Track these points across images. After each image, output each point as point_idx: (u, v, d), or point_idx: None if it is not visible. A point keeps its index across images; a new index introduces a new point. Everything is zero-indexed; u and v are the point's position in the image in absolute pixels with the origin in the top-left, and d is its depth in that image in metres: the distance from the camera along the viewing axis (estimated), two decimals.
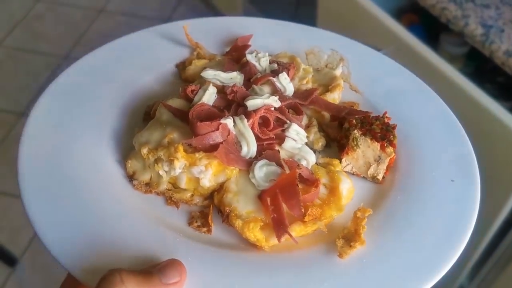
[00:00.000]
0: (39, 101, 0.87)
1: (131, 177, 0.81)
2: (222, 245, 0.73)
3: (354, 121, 0.84)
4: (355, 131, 0.82)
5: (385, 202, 0.80)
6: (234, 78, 0.91)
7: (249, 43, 1.03)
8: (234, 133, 0.79)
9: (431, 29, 1.74)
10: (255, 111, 0.82)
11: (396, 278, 0.68)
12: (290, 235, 0.71)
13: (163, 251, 0.69)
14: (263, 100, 0.83)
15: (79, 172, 0.79)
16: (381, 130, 0.82)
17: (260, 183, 0.75)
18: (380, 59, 1.03)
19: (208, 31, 1.07)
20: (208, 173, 0.76)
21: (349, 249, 0.70)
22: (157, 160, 0.78)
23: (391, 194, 0.81)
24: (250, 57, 0.96)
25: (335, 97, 0.96)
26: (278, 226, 0.71)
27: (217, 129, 0.76)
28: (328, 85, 0.98)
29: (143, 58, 1.00)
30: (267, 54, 0.98)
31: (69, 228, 0.71)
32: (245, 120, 0.79)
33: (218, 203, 0.77)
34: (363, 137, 0.82)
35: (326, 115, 0.92)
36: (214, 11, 3.27)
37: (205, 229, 0.74)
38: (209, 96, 0.83)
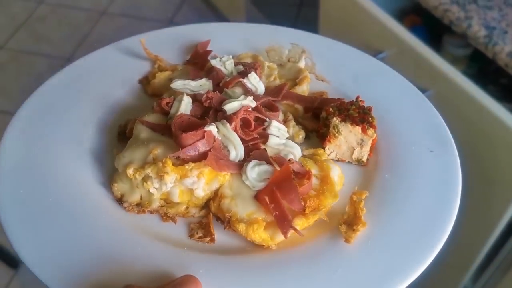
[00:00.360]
0: (13, 123, 0.85)
1: (120, 200, 0.78)
2: (228, 251, 0.73)
3: (331, 109, 0.86)
4: (334, 118, 0.84)
5: (375, 182, 0.82)
6: (203, 85, 0.91)
7: (209, 48, 1.03)
8: (220, 138, 0.78)
9: (434, 30, 1.71)
10: (234, 114, 0.81)
11: (403, 252, 0.71)
12: (296, 229, 0.72)
13: (172, 268, 0.68)
14: (240, 102, 0.83)
15: (64, 198, 0.76)
16: (358, 114, 0.84)
17: (254, 183, 0.75)
18: (341, 48, 1.06)
19: (167, 42, 1.06)
20: (201, 183, 0.75)
21: (353, 233, 0.72)
22: (145, 179, 0.77)
23: (378, 174, 0.83)
24: (214, 62, 0.96)
25: (304, 89, 0.98)
26: (282, 223, 0.71)
27: (203, 137, 0.76)
28: (295, 79, 0.99)
29: (106, 77, 0.98)
30: (230, 57, 0.98)
31: (64, 260, 0.68)
32: (227, 124, 0.79)
33: (216, 210, 0.76)
34: (343, 123, 0.83)
35: (300, 108, 0.94)
36: (216, 13, 3.24)
37: (207, 239, 0.74)
38: (186, 106, 0.82)
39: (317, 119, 0.93)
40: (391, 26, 1.50)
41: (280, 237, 0.72)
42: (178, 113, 0.81)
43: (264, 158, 0.78)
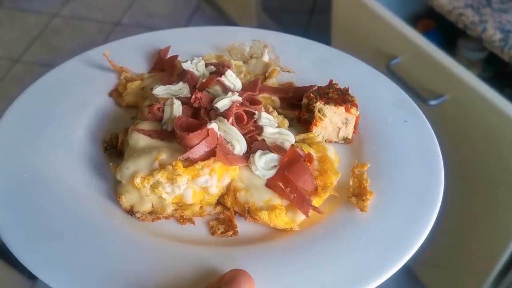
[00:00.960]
0: None
1: (130, 212, 0.77)
2: (253, 240, 0.75)
3: (311, 94, 0.91)
4: (318, 102, 0.89)
5: (365, 156, 0.88)
6: (182, 88, 0.91)
7: (176, 54, 1.03)
8: (222, 135, 0.79)
9: (448, 34, 1.70)
10: (228, 110, 0.83)
11: (410, 211, 0.77)
12: (315, 207, 0.75)
13: (209, 266, 0.68)
14: (229, 99, 0.85)
15: (70, 215, 0.74)
16: (338, 96, 0.90)
17: (264, 172, 0.78)
18: (298, 41, 1.11)
19: (128, 51, 1.05)
20: (214, 180, 0.76)
21: (364, 202, 0.77)
22: (154, 185, 0.76)
23: (365, 148, 0.90)
24: (186, 65, 0.97)
25: (274, 81, 1.02)
26: (302, 203, 0.75)
27: (207, 135, 0.77)
28: (263, 73, 1.03)
29: (75, 92, 0.95)
30: (201, 58, 0.99)
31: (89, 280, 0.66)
32: (225, 120, 0.81)
33: (233, 204, 0.77)
34: (327, 105, 0.88)
35: (276, 99, 0.98)
36: (228, 21, 3.19)
37: (230, 232, 0.75)
38: (177, 109, 0.83)
39: (294, 107, 0.97)
40: (405, 31, 1.48)
41: (300, 218, 0.75)
42: (173, 116, 0.81)
43: (265, 147, 0.81)
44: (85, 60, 1.01)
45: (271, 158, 0.78)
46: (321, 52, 1.09)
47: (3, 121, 0.87)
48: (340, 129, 0.90)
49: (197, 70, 0.97)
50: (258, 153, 0.78)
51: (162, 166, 0.76)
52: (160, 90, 0.89)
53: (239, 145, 0.79)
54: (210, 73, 0.97)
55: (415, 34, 1.48)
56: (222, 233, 0.75)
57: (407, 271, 1.87)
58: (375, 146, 0.89)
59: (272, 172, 0.77)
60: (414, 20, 1.76)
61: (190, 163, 0.76)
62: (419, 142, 0.89)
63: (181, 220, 0.76)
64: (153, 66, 1.04)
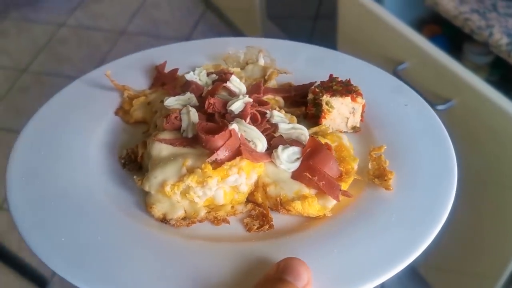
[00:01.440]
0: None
1: (164, 220, 0.78)
2: (289, 231, 0.76)
3: (316, 89, 0.94)
4: (324, 96, 0.92)
5: (376, 140, 0.92)
6: (191, 98, 0.93)
7: (175, 67, 1.05)
8: (243, 135, 0.82)
9: (454, 39, 1.69)
10: (242, 111, 0.86)
11: (430, 186, 0.81)
12: (345, 191, 0.78)
13: (255, 261, 0.70)
14: (242, 100, 0.87)
15: (107, 231, 0.75)
16: (342, 87, 0.94)
17: (289, 165, 0.80)
18: (289, 44, 1.15)
19: (126, 70, 1.06)
20: (243, 178, 0.78)
21: (387, 182, 0.81)
22: (185, 191, 0.77)
23: (374, 133, 0.93)
24: (190, 76, 0.99)
25: (274, 83, 1.05)
26: (332, 189, 0.77)
27: (231, 135, 0.79)
28: (262, 76, 1.06)
29: (82, 114, 0.96)
30: (202, 68, 1.01)
31: None
32: (243, 121, 0.83)
33: (263, 199, 0.79)
34: (334, 97, 0.92)
35: (280, 99, 1.01)
36: (233, 29, 3.13)
37: (266, 226, 0.77)
38: (194, 116, 0.85)
39: (298, 105, 1.01)
40: (411, 37, 1.48)
41: (331, 203, 0.78)
42: (192, 123, 0.83)
43: (284, 142, 0.84)
44: (87, 82, 1.02)
45: (293, 151, 0.81)
46: (312, 52, 1.13)
47: (18, 149, 0.86)
48: (348, 119, 0.94)
49: (200, 79, 1.00)
50: (280, 147, 0.81)
51: (190, 171, 0.78)
52: (171, 101, 0.91)
53: (261, 143, 0.81)
54: (213, 81, 0.99)
55: (422, 39, 1.48)
56: (258, 228, 0.76)
57: (416, 275, 1.86)
58: (383, 131, 0.93)
59: (296, 164, 0.80)
60: (419, 26, 1.76)
61: (217, 164, 0.78)
62: (423, 122, 0.94)
63: (215, 221, 0.78)
64: (153, 81, 1.05)
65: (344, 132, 0.95)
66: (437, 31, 1.83)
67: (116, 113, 0.99)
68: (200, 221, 0.78)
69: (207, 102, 0.87)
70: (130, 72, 1.05)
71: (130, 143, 0.93)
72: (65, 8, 3.47)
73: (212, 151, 0.78)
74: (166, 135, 0.83)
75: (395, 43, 1.52)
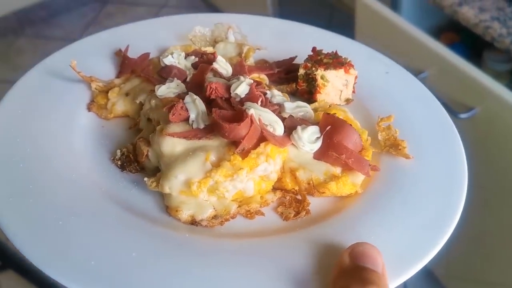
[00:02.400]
0: None
1: (193, 223, 0.70)
2: (326, 215, 0.74)
3: (308, 64, 0.91)
4: (318, 70, 0.90)
5: (369, 110, 0.92)
6: (179, 84, 0.85)
7: (140, 49, 0.94)
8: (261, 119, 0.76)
9: (473, 46, 1.64)
10: (248, 95, 0.80)
11: (440, 145, 0.83)
12: (374, 166, 0.77)
13: (312, 249, 0.66)
14: (245, 82, 0.81)
15: (138, 242, 0.66)
16: (332, 60, 0.92)
17: (311, 146, 0.77)
18: (253, 20, 1.09)
19: (86, 55, 0.93)
20: (272, 165, 0.73)
21: (403, 150, 0.81)
22: (213, 187, 0.71)
23: (367, 104, 0.93)
24: (168, 60, 0.90)
25: (251, 61, 1.00)
26: (361, 165, 0.76)
27: (252, 122, 0.73)
28: (238, 55, 1.00)
29: (50, 113, 0.83)
30: (179, 50, 0.93)
31: None
32: (256, 105, 0.77)
33: (293, 184, 0.75)
34: (328, 71, 0.90)
35: (265, 77, 0.96)
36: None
37: (303, 213, 0.73)
38: (201, 104, 0.77)
39: (282, 82, 0.97)
40: (430, 45, 1.43)
41: (359, 180, 0.77)
42: (200, 112, 0.76)
43: (297, 123, 0.80)
44: (45, 72, 0.88)
45: (312, 130, 0.77)
46: (278, 26, 1.09)
47: None
48: (341, 91, 0.92)
49: (178, 63, 0.91)
50: (299, 128, 0.77)
51: (216, 165, 0.71)
52: (163, 90, 0.82)
53: (279, 126, 0.77)
54: (192, 64, 0.91)
55: (441, 47, 1.45)
56: (295, 215, 0.73)
57: (439, 285, 1.85)
58: (375, 101, 0.93)
59: (318, 144, 0.77)
60: (437, 33, 1.73)
61: (243, 154, 0.72)
62: (408, 88, 0.95)
63: (248, 215, 0.72)
64: (120, 69, 0.94)
65: (338, 105, 0.94)
66: (455, 38, 1.82)
67: (89, 108, 0.87)
68: (233, 217, 0.72)
69: (208, 87, 0.79)
70: (89, 58, 0.92)
71: (118, 142, 0.82)
72: (79, 24, 3.46)
73: (237, 140, 0.72)
74: (175, 128, 0.75)
75: (414, 52, 1.49)
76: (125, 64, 0.93)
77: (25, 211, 0.67)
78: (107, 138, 0.83)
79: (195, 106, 0.76)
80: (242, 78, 0.82)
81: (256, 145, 0.73)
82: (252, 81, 0.82)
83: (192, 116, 0.75)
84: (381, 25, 1.61)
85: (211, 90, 0.79)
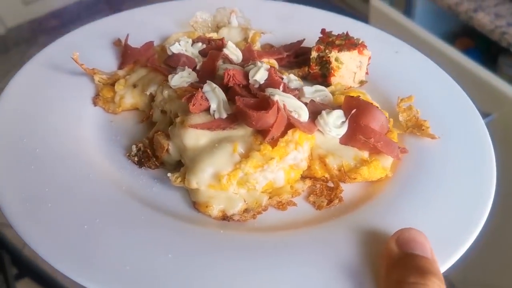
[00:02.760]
0: None
1: (225, 218, 0.67)
2: (358, 202, 0.71)
3: (320, 46, 0.88)
4: (332, 52, 0.87)
5: (384, 91, 0.89)
6: (191, 73, 0.80)
7: (141, 38, 0.89)
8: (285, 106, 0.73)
9: (487, 52, 1.61)
10: (268, 80, 0.76)
11: (460, 122, 0.82)
12: (403, 148, 0.75)
13: (350, 239, 0.64)
14: (263, 68, 0.77)
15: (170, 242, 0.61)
16: (345, 41, 0.89)
17: (338, 131, 0.74)
18: (253, 2, 1.05)
19: (85, 45, 0.87)
20: (301, 152, 0.70)
21: (428, 130, 0.79)
22: (243, 179, 0.67)
23: (381, 85, 0.91)
24: (176, 48, 0.85)
25: (258, 46, 0.96)
26: (391, 148, 0.73)
27: (279, 109, 0.69)
28: (244, 40, 0.96)
29: (56, 110, 0.78)
30: (186, 37, 0.88)
31: None
32: (278, 91, 0.74)
33: (323, 172, 0.72)
34: (342, 52, 0.87)
35: (274, 62, 0.92)
36: None
37: (337, 200, 0.70)
38: (220, 92, 0.73)
39: (292, 66, 0.94)
40: (444, 50, 1.40)
41: (388, 163, 0.74)
42: (221, 101, 0.72)
43: (320, 107, 0.77)
44: (42, 66, 0.82)
45: (337, 114, 0.74)
46: (279, 8, 1.06)
47: None
48: (355, 73, 0.90)
49: (186, 50, 0.86)
50: (324, 113, 0.74)
51: (245, 156, 0.67)
52: (177, 80, 0.77)
53: (304, 112, 0.73)
54: (200, 51, 0.87)
55: (456, 53, 1.43)
56: (328, 204, 0.70)
57: None
58: (388, 81, 0.91)
59: (344, 128, 0.74)
60: (451, 39, 1.69)
61: (273, 143, 0.69)
62: (419, 66, 0.94)
63: (281, 207, 0.69)
64: (122, 59, 0.88)
65: (351, 87, 0.91)
66: (470, 44, 1.80)
67: (95, 103, 0.81)
68: (264, 210, 0.68)
69: (225, 74, 0.75)
70: (86, 50, 0.87)
71: (131, 137, 0.78)
72: None
73: (264, 129, 0.68)
74: (197, 120, 0.70)
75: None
76: (127, 54, 0.88)
77: (45, 217, 0.62)
78: (118, 133, 0.78)
79: (215, 95, 0.72)
80: (259, 63, 0.78)
81: (284, 133, 0.69)
82: (269, 66, 0.78)
83: (213, 105, 0.71)
84: (394, 31, 1.53)
85: (229, 77, 0.75)
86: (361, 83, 0.91)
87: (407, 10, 1.83)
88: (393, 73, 0.93)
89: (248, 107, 0.68)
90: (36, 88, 0.79)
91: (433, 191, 0.70)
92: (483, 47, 1.73)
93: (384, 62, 0.94)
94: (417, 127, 0.80)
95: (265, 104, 0.69)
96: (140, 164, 0.72)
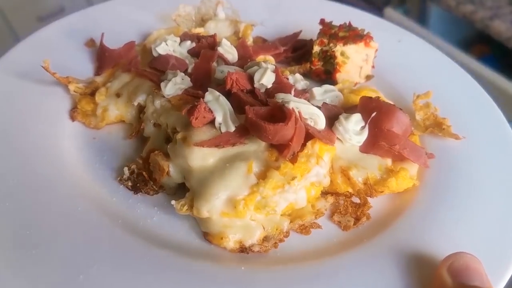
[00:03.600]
0: None
1: (244, 250, 0.58)
2: (386, 217, 0.64)
3: (323, 39, 0.79)
4: (337, 46, 0.78)
5: (392, 86, 0.82)
6: (184, 78, 0.70)
7: (118, 36, 0.78)
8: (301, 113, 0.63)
9: (504, 59, 1.55)
10: (276, 83, 0.67)
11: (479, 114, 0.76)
12: (431, 154, 0.68)
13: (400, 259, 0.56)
14: (268, 69, 0.68)
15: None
16: (349, 33, 0.80)
17: (358, 138, 0.65)
18: None
19: (53, 45, 0.75)
20: (323, 167, 0.62)
21: (449, 128, 0.72)
22: (261, 203, 0.58)
23: (389, 79, 0.83)
24: (162, 49, 0.74)
25: (251, 40, 0.86)
26: (417, 155, 0.66)
27: (297, 119, 0.60)
28: (234, 34, 0.86)
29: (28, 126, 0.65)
30: (173, 35, 0.77)
31: None
32: (290, 96, 0.64)
33: (346, 187, 0.64)
34: (347, 45, 0.78)
35: (271, 58, 0.83)
36: None
37: (364, 218, 0.62)
38: (224, 101, 0.63)
39: (289, 61, 0.85)
40: (459, 58, 1.34)
41: (414, 171, 0.67)
42: (227, 112, 0.62)
43: (334, 111, 0.68)
44: (4, 72, 0.70)
45: (356, 119, 0.66)
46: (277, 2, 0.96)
47: None
48: (361, 68, 0.81)
49: (173, 51, 0.75)
50: (342, 118, 0.65)
51: (262, 177, 0.58)
52: (171, 88, 0.66)
53: (320, 119, 0.64)
54: (192, 50, 0.77)
55: (471, 61, 1.40)
56: (355, 223, 0.62)
57: None
58: (396, 75, 0.83)
59: (364, 135, 0.66)
60: (466, 46, 1.65)
61: (293, 159, 0.60)
62: (428, 57, 0.87)
63: (303, 231, 0.60)
64: (98, 63, 0.77)
65: (357, 83, 0.83)
66: (486, 51, 1.76)
67: (73, 118, 0.70)
68: (286, 236, 0.60)
69: (228, 79, 0.65)
70: (54, 53, 0.75)
71: (120, 156, 0.67)
72: None
73: (283, 142, 0.59)
74: (201, 135, 0.60)
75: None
76: (105, 57, 0.76)
77: (28, 266, 0.51)
78: (104, 152, 0.67)
79: (219, 105, 0.62)
80: (263, 64, 0.69)
81: (303, 145, 0.60)
82: (274, 67, 0.69)
83: (219, 118, 0.61)
84: None
85: (232, 82, 0.65)
86: (368, 77, 0.83)
87: (421, 19, 1.81)
88: (400, 65, 0.85)
89: (261, 118, 0.59)
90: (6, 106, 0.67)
91: (471, 199, 0.63)
92: (499, 54, 1.72)
93: (388, 53, 0.86)
94: (437, 126, 0.73)
95: (279, 113, 0.60)
96: (135, 189, 0.62)
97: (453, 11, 1.63)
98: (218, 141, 0.60)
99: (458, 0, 1.62)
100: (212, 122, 0.62)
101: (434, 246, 0.56)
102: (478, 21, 1.56)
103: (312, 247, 0.59)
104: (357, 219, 0.62)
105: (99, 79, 0.74)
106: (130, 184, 0.62)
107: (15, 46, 0.73)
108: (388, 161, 0.66)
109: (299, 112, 0.62)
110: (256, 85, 0.66)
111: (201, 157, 0.59)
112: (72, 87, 0.71)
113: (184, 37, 0.78)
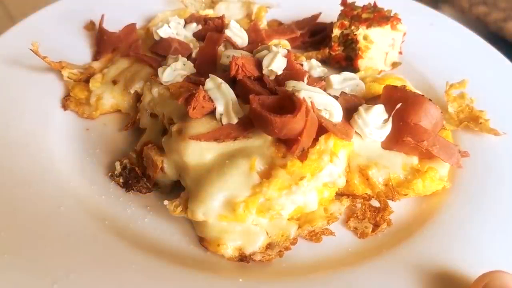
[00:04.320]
0: None
1: (244, 258, 0.51)
2: (409, 220, 0.56)
3: (344, 22, 0.71)
4: (360, 29, 0.70)
5: (423, 73, 0.73)
6: (186, 63, 0.63)
7: (120, 19, 0.72)
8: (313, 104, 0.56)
9: None
10: (287, 69, 0.59)
11: None
12: (465, 152, 0.60)
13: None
14: (279, 54, 0.60)
15: None
16: (373, 14, 0.72)
17: (380, 133, 0.57)
18: None
19: (48, 29, 0.70)
20: (338, 165, 0.54)
21: (486, 123, 0.64)
22: (264, 206, 0.51)
23: (418, 66, 0.75)
24: (164, 32, 0.68)
25: (265, 23, 0.79)
26: (449, 153, 0.58)
27: (308, 110, 0.52)
28: (247, 17, 0.79)
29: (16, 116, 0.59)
30: (177, 17, 0.70)
31: None
32: (303, 84, 0.57)
33: (364, 188, 0.56)
34: (371, 28, 0.70)
35: (286, 42, 0.75)
36: None
37: (385, 225, 0.55)
38: (227, 89, 0.56)
39: (306, 46, 0.77)
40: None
41: (445, 170, 0.58)
42: (230, 101, 0.54)
43: (353, 101, 0.60)
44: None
45: (378, 111, 0.58)
46: None
47: None
48: (387, 53, 0.73)
49: (177, 34, 0.69)
50: (361, 110, 0.57)
51: (266, 176, 0.51)
52: (170, 75, 0.60)
53: (336, 110, 0.56)
54: (198, 33, 0.70)
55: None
56: (374, 230, 0.54)
57: None
58: (429, 62, 0.75)
59: (387, 129, 0.57)
60: None
61: (302, 156, 0.52)
62: (464, 42, 0.78)
63: (314, 238, 0.53)
64: (97, 48, 0.71)
65: (382, 71, 0.74)
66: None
67: (66, 106, 0.64)
68: (293, 243, 0.52)
69: (232, 64, 0.58)
70: (51, 37, 0.69)
71: (113, 150, 0.61)
72: None
73: (292, 137, 0.51)
74: (199, 127, 0.53)
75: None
76: (103, 41, 0.70)
77: (18, 278, 0.45)
78: (96, 145, 0.61)
79: (221, 93, 0.55)
80: (273, 48, 0.61)
81: (315, 140, 0.53)
82: (286, 51, 0.61)
83: (220, 107, 0.54)
84: None
85: (237, 67, 0.58)
86: (394, 65, 0.74)
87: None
88: (431, 51, 0.76)
89: (267, 109, 0.51)
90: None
91: (510, 206, 0.55)
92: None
93: (419, 37, 0.78)
94: (472, 120, 0.64)
95: (288, 103, 0.52)
96: (127, 187, 0.56)
97: (465, 13, 1.56)
98: (217, 134, 0.53)
99: (471, 1, 1.56)
100: (212, 113, 0.55)
101: (466, 261, 0.49)
102: (491, 23, 1.49)
103: (323, 256, 0.52)
104: (376, 226, 0.54)
105: (96, 65, 0.68)
106: (121, 180, 0.56)
107: (8, 30, 0.68)
108: (414, 160, 0.58)
109: (311, 102, 0.54)
110: (264, 71, 0.59)
111: (198, 152, 0.52)
112: (65, 72, 0.65)
113: (190, 20, 0.71)
